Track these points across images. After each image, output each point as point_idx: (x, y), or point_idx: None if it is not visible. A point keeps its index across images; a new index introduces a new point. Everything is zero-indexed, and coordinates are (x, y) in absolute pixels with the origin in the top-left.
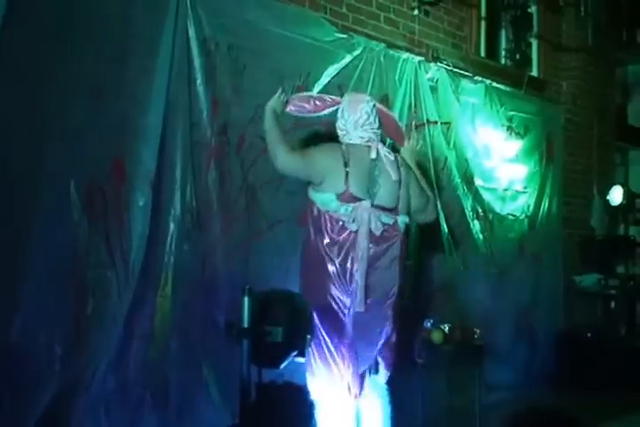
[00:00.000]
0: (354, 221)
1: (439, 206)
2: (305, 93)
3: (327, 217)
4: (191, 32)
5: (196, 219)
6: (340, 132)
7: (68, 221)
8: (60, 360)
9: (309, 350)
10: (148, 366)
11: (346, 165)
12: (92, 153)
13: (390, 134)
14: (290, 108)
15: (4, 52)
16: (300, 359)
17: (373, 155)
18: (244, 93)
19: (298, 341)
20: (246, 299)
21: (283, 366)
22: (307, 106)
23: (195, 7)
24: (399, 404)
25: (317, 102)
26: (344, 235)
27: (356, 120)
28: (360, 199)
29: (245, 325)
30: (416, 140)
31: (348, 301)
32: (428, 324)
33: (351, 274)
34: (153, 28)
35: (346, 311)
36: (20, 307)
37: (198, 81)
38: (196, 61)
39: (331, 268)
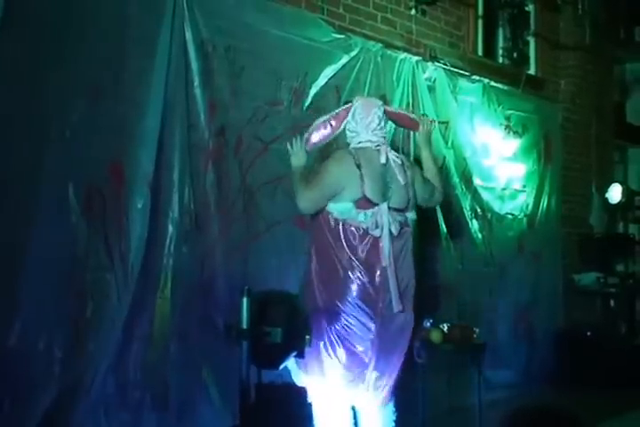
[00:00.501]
0: (376, 226)
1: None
2: (319, 120)
3: (346, 227)
4: (188, 34)
5: (195, 221)
6: (349, 134)
7: (67, 223)
8: (59, 363)
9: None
10: (148, 368)
11: (359, 167)
12: (90, 156)
13: (406, 125)
14: (312, 145)
15: (2, 53)
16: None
17: (383, 159)
18: (241, 95)
19: (297, 341)
20: (245, 300)
21: (282, 366)
22: (325, 131)
23: (191, 9)
24: (399, 403)
25: (333, 122)
26: (366, 241)
27: (367, 124)
28: (375, 204)
29: (244, 326)
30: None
31: (374, 305)
32: (428, 323)
33: (377, 279)
34: (150, 31)
35: (372, 316)
36: (20, 310)
37: (196, 83)
38: (194, 64)
39: (355, 275)
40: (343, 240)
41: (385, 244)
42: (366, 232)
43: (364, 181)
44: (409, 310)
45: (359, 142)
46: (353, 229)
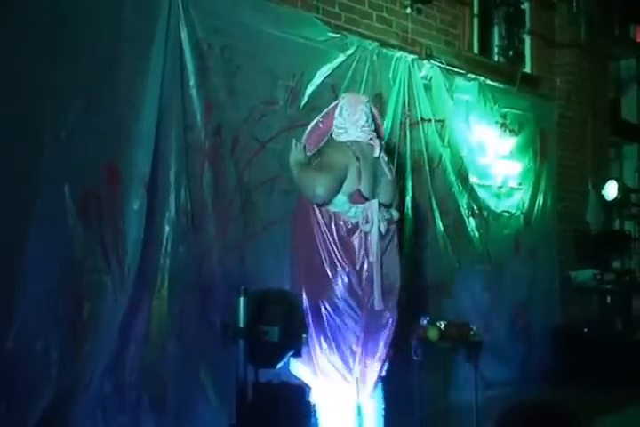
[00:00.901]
0: (367, 222)
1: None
2: (310, 125)
3: (337, 221)
4: (184, 34)
5: (192, 221)
6: (336, 130)
7: (64, 225)
8: (56, 365)
9: (314, 351)
10: (145, 368)
11: (357, 159)
12: (86, 157)
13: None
14: (310, 148)
15: None
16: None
17: (377, 153)
18: (237, 94)
19: (294, 340)
20: (242, 299)
21: (279, 365)
22: (318, 131)
23: (187, 9)
24: (397, 401)
25: (324, 121)
26: (355, 235)
27: (355, 120)
28: (367, 198)
29: (241, 325)
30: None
31: (360, 300)
32: (424, 321)
33: (364, 274)
34: (145, 31)
35: (358, 311)
36: (17, 311)
37: (191, 83)
38: (189, 63)
39: (343, 271)
40: (333, 234)
41: (373, 239)
42: (355, 227)
43: (361, 175)
44: (393, 306)
45: (348, 138)
46: (342, 223)
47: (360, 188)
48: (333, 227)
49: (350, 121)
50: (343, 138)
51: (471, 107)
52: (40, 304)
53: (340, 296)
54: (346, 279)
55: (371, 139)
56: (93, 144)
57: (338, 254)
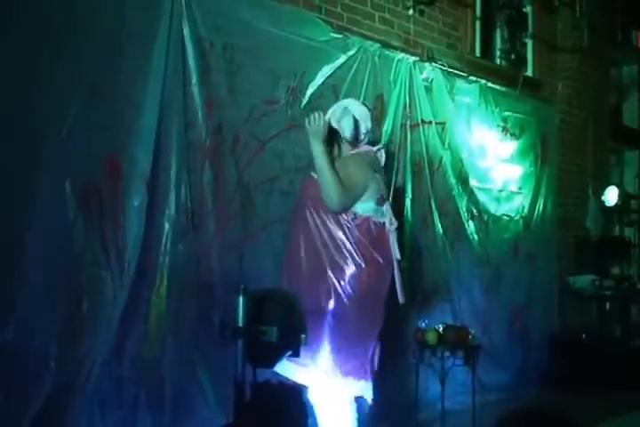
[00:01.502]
0: (391, 222)
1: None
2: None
3: (367, 222)
4: (186, 32)
5: (191, 219)
6: (368, 136)
7: (64, 220)
8: (54, 359)
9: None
10: (143, 365)
11: (375, 171)
12: (88, 153)
13: None
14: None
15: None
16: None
17: (382, 162)
18: (238, 93)
19: (292, 340)
20: (241, 298)
21: (277, 365)
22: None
23: (189, 6)
24: (394, 404)
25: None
26: (383, 234)
27: (368, 130)
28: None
29: (240, 324)
30: None
31: (382, 294)
32: (423, 324)
33: (389, 271)
34: (147, 29)
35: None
36: (16, 305)
37: (193, 81)
38: (191, 61)
39: (375, 268)
40: (366, 233)
41: (393, 238)
42: (383, 226)
43: (379, 185)
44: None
45: (365, 150)
46: (372, 223)
47: (383, 194)
48: (367, 228)
49: (370, 132)
50: (363, 149)
51: (472, 110)
52: (39, 298)
53: (368, 294)
54: (377, 278)
55: (378, 149)
56: (95, 140)
57: (373, 253)
